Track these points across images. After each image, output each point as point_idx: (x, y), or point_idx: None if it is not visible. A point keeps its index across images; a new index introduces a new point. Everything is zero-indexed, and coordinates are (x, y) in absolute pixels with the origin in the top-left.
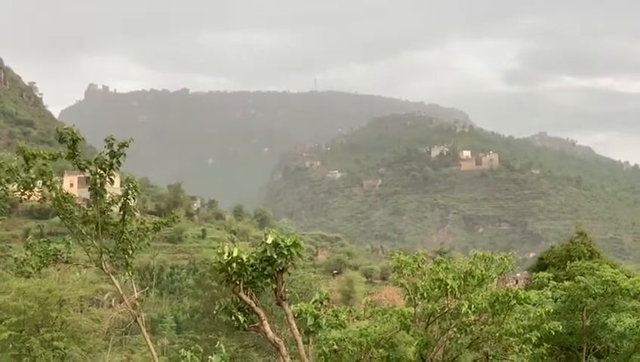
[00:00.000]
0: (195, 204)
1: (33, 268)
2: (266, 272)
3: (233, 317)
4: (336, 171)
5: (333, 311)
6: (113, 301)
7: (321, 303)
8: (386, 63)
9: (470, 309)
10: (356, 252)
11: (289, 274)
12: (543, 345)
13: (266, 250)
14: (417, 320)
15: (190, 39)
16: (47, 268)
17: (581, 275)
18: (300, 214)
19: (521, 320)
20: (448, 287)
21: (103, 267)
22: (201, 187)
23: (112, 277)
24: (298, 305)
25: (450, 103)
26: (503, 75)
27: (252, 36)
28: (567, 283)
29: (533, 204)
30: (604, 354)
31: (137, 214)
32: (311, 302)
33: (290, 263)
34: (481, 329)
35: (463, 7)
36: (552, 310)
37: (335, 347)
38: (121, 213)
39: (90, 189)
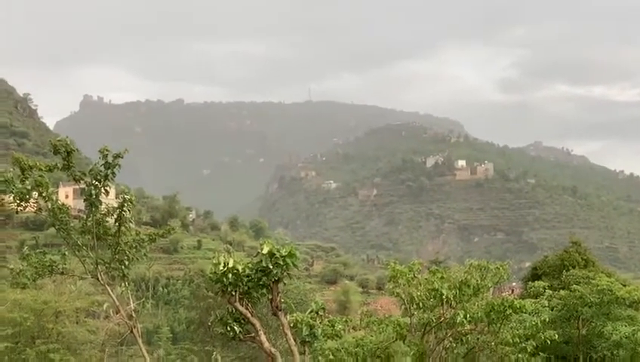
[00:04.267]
0: (190, 215)
1: (29, 279)
2: (261, 283)
3: (229, 328)
4: (332, 181)
5: (329, 321)
6: (110, 312)
7: (317, 313)
8: (381, 73)
9: (466, 319)
10: (352, 262)
11: (285, 284)
12: (539, 354)
13: (261, 261)
14: (413, 330)
15: (185, 49)
16: (42, 280)
17: (577, 284)
18: (295, 224)
19: (517, 330)
20: (444, 297)
21: (99, 278)
22: (196, 198)
23: (108, 288)
24: (294, 315)
25: (445, 113)
26: (497, 84)
27: (247, 46)
28: (562, 292)
29: (529, 214)
30: None
31: (132, 225)
32: (307, 313)
33: (285, 273)
34: (477, 338)
35: (456, 17)
36: (547, 319)
37: (331, 357)
38: (117, 224)
39: (85, 200)
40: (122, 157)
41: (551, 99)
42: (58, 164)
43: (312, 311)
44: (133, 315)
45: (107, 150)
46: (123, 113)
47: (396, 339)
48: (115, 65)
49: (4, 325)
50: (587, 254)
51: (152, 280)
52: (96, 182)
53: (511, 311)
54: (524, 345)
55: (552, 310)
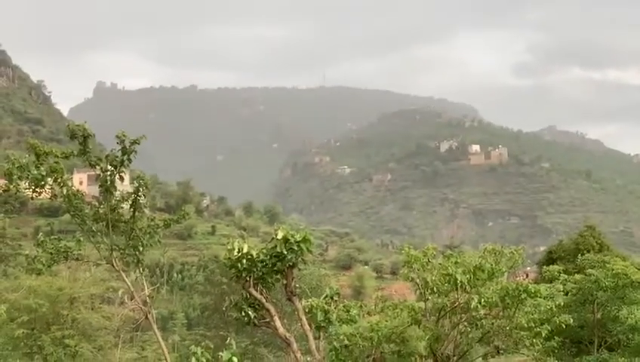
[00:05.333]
0: (204, 201)
1: (44, 265)
2: (276, 268)
3: (243, 313)
4: (346, 167)
5: (343, 307)
6: (125, 298)
7: (332, 298)
8: (395, 58)
9: (480, 303)
10: (366, 247)
11: (299, 269)
12: (553, 339)
13: (275, 246)
14: (428, 314)
15: (198, 35)
16: (57, 266)
17: (591, 268)
18: (309, 210)
19: (532, 314)
20: (458, 282)
21: (114, 264)
22: (210, 183)
23: (123, 274)
24: (309, 300)
25: (459, 97)
26: (511, 68)
27: (260, 32)
28: (577, 277)
29: (543, 198)
30: (616, 347)
31: (147, 211)
32: (322, 298)
33: (300, 259)
34: (492, 323)
35: (471, 0)
36: (562, 303)
37: (346, 342)
38: (132, 210)
39: (100, 186)
40: (139, 143)
41: (565, 83)
42: (74, 151)
43: (326, 297)
44: (148, 301)
45: (124, 135)
46: (136, 99)
47: (411, 324)
48: (128, 51)
49: (19, 311)
50: (602, 238)
51: (167, 266)
52: (112, 168)
53: (526, 295)
54: (538, 329)
55: (566, 294)
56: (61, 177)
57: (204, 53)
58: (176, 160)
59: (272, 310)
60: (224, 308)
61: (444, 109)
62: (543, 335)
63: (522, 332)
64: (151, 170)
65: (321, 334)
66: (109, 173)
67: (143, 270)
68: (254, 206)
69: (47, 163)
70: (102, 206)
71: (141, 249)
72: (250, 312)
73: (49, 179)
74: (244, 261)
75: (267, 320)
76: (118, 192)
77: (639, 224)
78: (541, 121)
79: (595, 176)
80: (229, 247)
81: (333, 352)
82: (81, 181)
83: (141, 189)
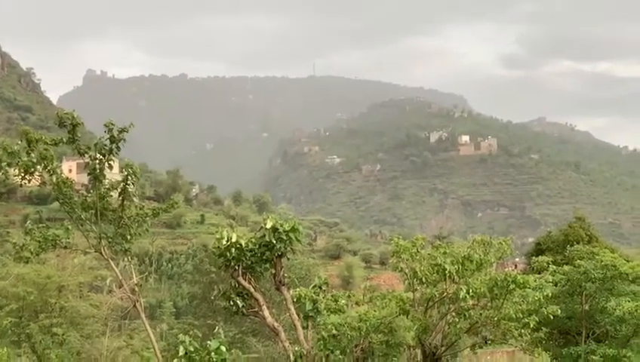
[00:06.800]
0: (193, 190)
1: (32, 253)
2: (264, 257)
3: (232, 302)
4: (335, 156)
5: (332, 296)
6: (114, 286)
7: (320, 288)
8: (385, 48)
9: (468, 294)
10: (355, 237)
11: (288, 259)
12: (541, 330)
13: (264, 235)
14: (416, 304)
15: (189, 24)
16: (46, 254)
17: (580, 259)
18: (298, 199)
19: (520, 305)
20: (447, 272)
21: (102, 252)
22: (199, 172)
23: (111, 262)
24: (297, 290)
25: (449, 88)
26: (501, 60)
27: (250, 21)
28: (566, 268)
29: (532, 189)
30: (603, 339)
31: (136, 200)
32: (310, 287)
33: (288, 248)
34: (480, 313)
35: None
36: (550, 294)
37: (334, 332)
38: (120, 198)
39: (89, 174)
40: (127, 132)
41: (555, 75)
42: (63, 138)
43: (315, 286)
44: (136, 290)
45: (112, 124)
46: (126, 88)
47: (399, 314)
48: (118, 39)
49: (7, 299)
50: (591, 230)
51: (156, 255)
52: (101, 156)
53: (514, 286)
54: (526, 320)
55: (555, 285)
56: (51, 164)
57: (194, 42)
58: (166, 148)
59: (261, 299)
60: (213, 297)
61: (434, 100)
62: (531, 326)
63: (510, 323)
64: (140, 158)
65: (310, 323)
66: (97, 161)
67: (132, 258)
68: (243, 195)
69: (38, 150)
70: (91, 194)
71: (129, 237)
72: (238, 301)
73: (39, 166)
74: (233, 250)
75: (255, 309)
76: (107, 181)
77: (627, 216)
78: (531, 112)
79: (584, 167)
80: (217, 236)
81: (321, 342)
82: (70, 169)
83: (130, 178)
